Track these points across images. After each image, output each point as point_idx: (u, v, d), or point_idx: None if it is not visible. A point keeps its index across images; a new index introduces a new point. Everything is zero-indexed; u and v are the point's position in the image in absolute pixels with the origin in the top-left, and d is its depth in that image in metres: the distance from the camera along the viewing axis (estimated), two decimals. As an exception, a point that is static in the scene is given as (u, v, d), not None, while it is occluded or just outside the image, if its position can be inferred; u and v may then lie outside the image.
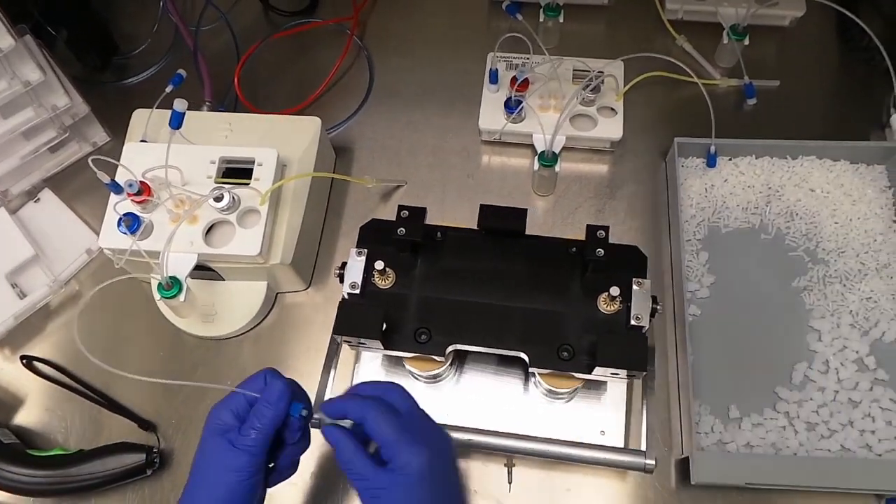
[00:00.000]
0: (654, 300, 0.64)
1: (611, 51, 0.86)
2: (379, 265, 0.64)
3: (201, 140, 0.78)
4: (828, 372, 0.74)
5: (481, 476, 0.72)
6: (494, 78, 0.85)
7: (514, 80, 0.82)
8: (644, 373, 0.61)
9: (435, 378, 0.72)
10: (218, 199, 0.70)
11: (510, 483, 0.72)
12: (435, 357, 0.65)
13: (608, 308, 0.64)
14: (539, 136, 0.80)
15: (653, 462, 0.64)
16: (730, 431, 0.72)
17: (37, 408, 0.78)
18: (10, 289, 0.80)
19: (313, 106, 0.91)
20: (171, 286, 0.69)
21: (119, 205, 0.72)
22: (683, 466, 0.70)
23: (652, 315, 0.64)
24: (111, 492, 0.73)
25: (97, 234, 0.84)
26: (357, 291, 0.65)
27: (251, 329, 0.80)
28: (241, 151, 0.75)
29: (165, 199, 0.72)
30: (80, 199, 0.88)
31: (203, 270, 0.76)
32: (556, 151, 0.80)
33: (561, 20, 0.89)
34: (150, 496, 0.74)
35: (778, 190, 0.82)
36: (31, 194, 0.87)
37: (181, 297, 0.70)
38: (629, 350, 0.60)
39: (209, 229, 0.73)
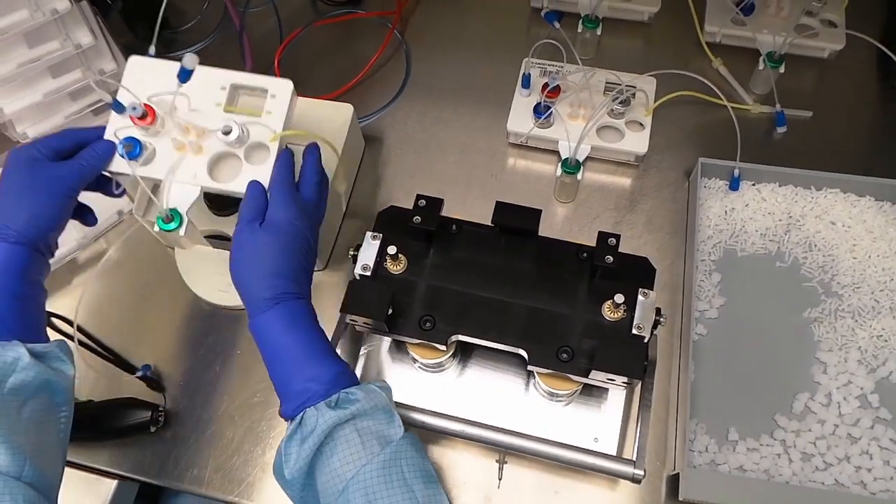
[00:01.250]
0: (658, 312, 0.65)
1: (647, 67, 0.87)
2: (391, 250, 0.66)
3: (236, 115, 0.81)
4: (829, 405, 0.74)
5: (472, 469, 0.73)
6: (527, 83, 0.86)
7: (545, 86, 0.83)
8: (640, 381, 0.62)
9: (437, 367, 0.73)
10: (227, 132, 0.65)
11: (500, 479, 0.73)
12: (437, 346, 0.66)
13: (612, 315, 0.65)
14: (564, 142, 0.82)
15: (641, 472, 0.64)
16: (724, 453, 0.72)
17: (55, 357, 0.81)
18: (42, 241, 0.83)
19: (349, 94, 0.93)
20: (172, 219, 0.66)
21: (120, 131, 0.67)
22: (674, 482, 0.70)
23: (654, 327, 0.64)
24: (115, 445, 0.76)
25: (131, 198, 0.87)
26: (368, 273, 0.67)
27: (265, 303, 0.82)
28: (254, 79, 0.69)
29: (170, 129, 0.68)
30: (117, 163, 0.91)
31: (222, 240, 0.78)
32: (580, 160, 0.81)
33: (599, 32, 0.90)
34: (152, 453, 0.76)
35: (798, 219, 0.82)
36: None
37: (181, 231, 0.66)
38: (626, 357, 0.61)
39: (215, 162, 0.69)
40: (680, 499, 0.69)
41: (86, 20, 0.80)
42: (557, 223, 0.85)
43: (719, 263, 0.81)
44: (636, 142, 0.84)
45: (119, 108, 0.66)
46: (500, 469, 0.73)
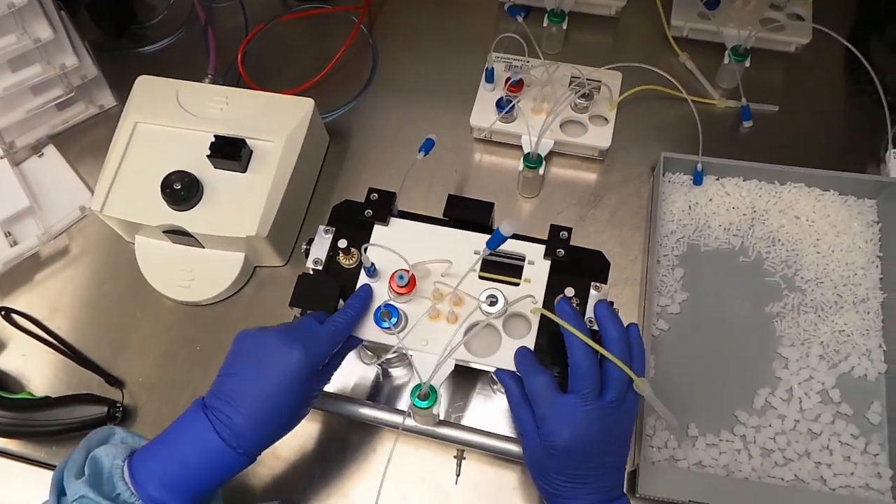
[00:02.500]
0: (610, 306, 0.64)
1: (614, 62, 0.86)
2: (342, 244, 0.65)
3: (196, 110, 0.81)
4: (790, 400, 0.73)
5: (430, 465, 0.73)
6: (490, 77, 0.86)
7: (508, 80, 0.83)
8: None
9: (391, 362, 0.72)
10: (493, 302, 0.62)
11: (458, 475, 0.72)
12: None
13: (564, 308, 0.64)
14: (527, 137, 0.81)
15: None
16: (683, 448, 0.71)
17: (15, 353, 0.81)
18: (3, 236, 0.83)
19: (315, 90, 0.92)
20: (428, 395, 0.61)
21: (372, 285, 0.65)
22: (634, 478, 0.70)
23: (605, 320, 0.63)
24: (71, 441, 0.75)
25: (93, 192, 0.87)
26: (320, 267, 0.66)
27: (226, 298, 0.82)
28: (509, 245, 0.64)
29: (424, 296, 0.65)
30: (82, 159, 0.91)
31: (183, 236, 0.78)
32: (542, 154, 0.81)
33: (564, 27, 0.90)
34: (110, 449, 0.75)
35: (762, 214, 0.81)
36: (36, 149, 0.90)
37: (435, 409, 0.63)
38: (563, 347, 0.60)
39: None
40: (637, 494, 0.68)
41: (45, 14, 0.79)
42: (521, 219, 0.85)
43: (682, 258, 0.80)
44: (599, 136, 0.84)
45: (373, 272, 0.65)
46: (459, 465, 0.72)
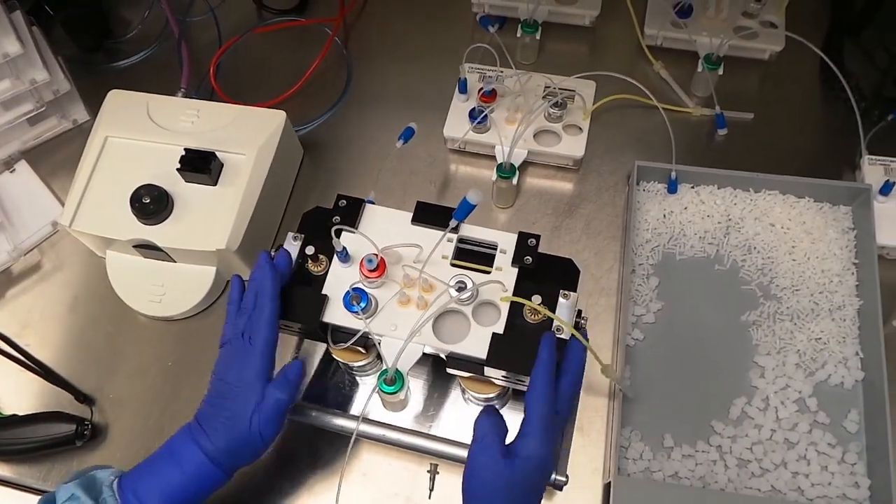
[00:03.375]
0: (579, 314, 0.64)
1: (589, 72, 0.86)
2: (310, 250, 0.64)
3: (167, 123, 0.80)
4: (767, 409, 0.72)
5: (402, 479, 0.72)
6: (464, 87, 0.86)
7: (480, 90, 0.83)
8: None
9: (361, 370, 0.72)
10: (460, 288, 0.62)
11: (431, 490, 0.71)
12: (357, 347, 0.65)
13: (533, 317, 0.63)
14: (500, 147, 0.81)
15: (563, 478, 0.62)
16: (658, 460, 0.71)
17: (-17, 370, 0.80)
18: (-27, 253, 0.82)
19: (290, 102, 0.92)
20: (394, 381, 0.62)
21: (344, 280, 0.64)
22: (608, 491, 0.69)
23: (575, 329, 0.63)
24: (39, 460, 0.74)
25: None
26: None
27: (199, 312, 0.81)
28: (482, 233, 0.66)
29: (394, 281, 0.65)
30: (56, 174, 0.90)
31: (153, 251, 0.77)
32: (516, 164, 0.80)
33: (538, 37, 0.90)
34: (78, 468, 0.74)
35: (738, 222, 0.81)
36: (8, 164, 0.89)
37: (401, 395, 0.63)
38: (520, 354, 0.59)
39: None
40: (611, 508, 0.67)
41: (14, 29, 0.79)
42: (497, 229, 0.84)
43: (658, 267, 0.79)
44: (573, 145, 0.83)
45: (345, 257, 0.65)
46: (432, 479, 0.71)
